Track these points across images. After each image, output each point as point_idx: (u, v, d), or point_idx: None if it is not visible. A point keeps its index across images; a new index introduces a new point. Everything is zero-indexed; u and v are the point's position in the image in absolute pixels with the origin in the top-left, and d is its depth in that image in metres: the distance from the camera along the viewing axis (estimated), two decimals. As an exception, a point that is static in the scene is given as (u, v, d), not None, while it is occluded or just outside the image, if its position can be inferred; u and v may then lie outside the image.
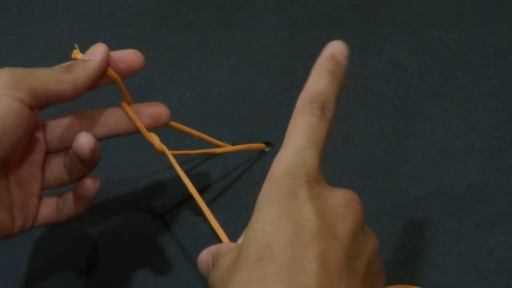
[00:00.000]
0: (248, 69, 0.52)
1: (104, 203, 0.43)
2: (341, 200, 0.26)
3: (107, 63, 0.33)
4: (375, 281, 0.26)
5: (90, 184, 0.34)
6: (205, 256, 0.30)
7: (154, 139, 0.37)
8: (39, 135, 0.35)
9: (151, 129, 0.36)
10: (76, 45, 0.34)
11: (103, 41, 0.34)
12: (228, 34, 0.54)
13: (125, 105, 0.36)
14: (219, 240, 0.40)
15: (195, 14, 0.56)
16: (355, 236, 0.25)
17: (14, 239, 0.35)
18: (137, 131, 0.36)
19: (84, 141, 0.32)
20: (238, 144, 0.44)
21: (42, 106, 0.32)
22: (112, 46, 0.34)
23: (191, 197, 0.37)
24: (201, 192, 0.43)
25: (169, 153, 0.37)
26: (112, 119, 0.35)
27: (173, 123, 0.38)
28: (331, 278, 0.23)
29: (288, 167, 0.26)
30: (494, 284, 0.39)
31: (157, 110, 0.36)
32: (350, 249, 0.25)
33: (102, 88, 0.35)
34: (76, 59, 0.34)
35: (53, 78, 0.31)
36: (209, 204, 0.43)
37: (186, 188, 0.37)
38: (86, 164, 0.34)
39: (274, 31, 0.54)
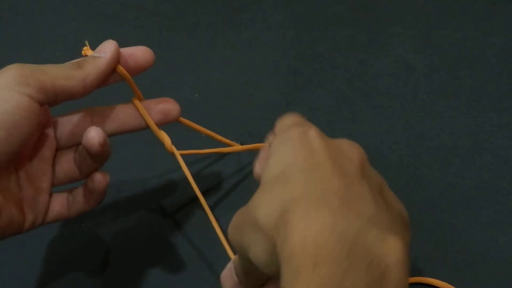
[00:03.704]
0: (255, 68, 0.52)
1: (115, 203, 0.43)
2: (345, 141, 0.29)
3: (117, 60, 0.33)
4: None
5: (100, 179, 0.34)
6: (226, 273, 0.31)
7: (165, 139, 0.36)
8: (50, 131, 0.35)
9: (161, 125, 0.36)
10: (86, 42, 0.34)
11: (111, 42, 0.34)
12: (235, 33, 0.55)
13: (136, 101, 0.36)
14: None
15: (202, 14, 0.56)
16: (364, 164, 0.27)
17: (25, 238, 0.35)
18: (147, 127, 0.36)
19: (94, 135, 0.32)
20: (246, 143, 0.44)
21: (52, 102, 0.32)
22: (120, 47, 0.34)
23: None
24: (211, 191, 0.44)
25: (178, 155, 0.37)
26: (123, 115, 0.35)
27: (183, 120, 0.38)
28: (351, 184, 0.25)
29: (293, 122, 0.31)
30: (505, 282, 0.39)
31: (167, 106, 0.36)
32: (363, 170, 0.27)
33: (113, 85, 0.35)
34: (86, 55, 0.34)
35: (62, 74, 0.31)
36: (219, 203, 0.43)
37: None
38: (96, 159, 0.34)
39: (281, 30, 0.55)
